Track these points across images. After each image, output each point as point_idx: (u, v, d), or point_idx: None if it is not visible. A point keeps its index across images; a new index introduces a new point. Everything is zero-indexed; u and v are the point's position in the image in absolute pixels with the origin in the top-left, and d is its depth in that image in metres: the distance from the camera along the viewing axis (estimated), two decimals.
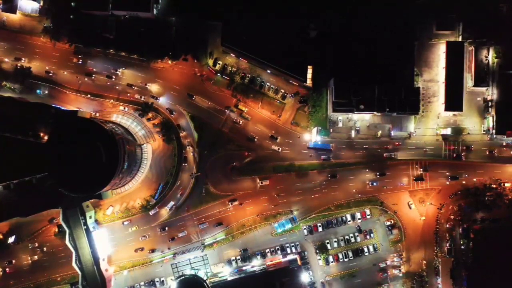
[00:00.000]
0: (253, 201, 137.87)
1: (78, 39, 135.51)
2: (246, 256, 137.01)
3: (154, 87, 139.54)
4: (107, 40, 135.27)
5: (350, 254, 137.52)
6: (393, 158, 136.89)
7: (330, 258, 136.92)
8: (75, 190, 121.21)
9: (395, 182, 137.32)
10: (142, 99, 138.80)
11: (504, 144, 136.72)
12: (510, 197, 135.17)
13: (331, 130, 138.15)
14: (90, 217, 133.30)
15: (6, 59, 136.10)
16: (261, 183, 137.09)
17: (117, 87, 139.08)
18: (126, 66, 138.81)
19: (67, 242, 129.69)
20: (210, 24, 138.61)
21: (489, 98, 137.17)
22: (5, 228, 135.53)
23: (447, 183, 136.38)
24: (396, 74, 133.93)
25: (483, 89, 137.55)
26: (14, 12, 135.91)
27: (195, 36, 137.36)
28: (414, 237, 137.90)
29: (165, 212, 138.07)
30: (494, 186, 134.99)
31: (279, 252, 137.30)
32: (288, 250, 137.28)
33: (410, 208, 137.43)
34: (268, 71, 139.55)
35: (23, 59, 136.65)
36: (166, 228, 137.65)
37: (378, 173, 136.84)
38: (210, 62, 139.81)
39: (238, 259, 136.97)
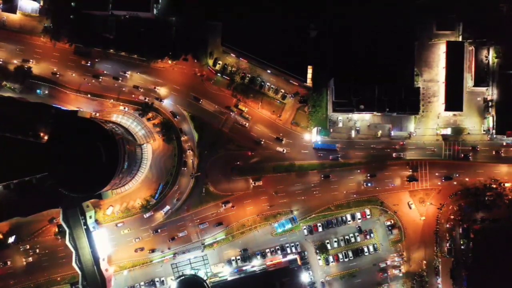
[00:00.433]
0: (253, 201, 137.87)
1: (78, 39, 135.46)
2: (246, 256, 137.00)
3: (163, 91, 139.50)
4: (107, 40, 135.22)
5: (350, 254, 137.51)
6: (402, 158, 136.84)
7: (330, 258, 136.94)
8: (75, 190, 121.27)
9: (386, 183, 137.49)
10: (146, 100, 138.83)
11: (504, 144, 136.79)
12: (510, 197, 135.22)
13: (331, 130, 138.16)
14: (90, 217, 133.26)
15: (15, 61, 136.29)
16: (254, 183, 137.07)
17: (123, 89, 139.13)
18: (135, 69, 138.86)
19: (67, 242, 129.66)
20: (210, 24, 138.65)
21: (489, 98, 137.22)
22: (5, 228, 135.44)
23: (439, 183, 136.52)
24: (396, 74, 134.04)
25: (483, 89, 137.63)
26: (14, 12, 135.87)
27: (195, 36, 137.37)
28: (414, 237, 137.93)
29: (160, 216, 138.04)
30: (494, 186, 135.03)
31: (279, 252, 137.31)
32: (288, 250, 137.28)
33: (410, 208, 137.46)
34: (268, 71, 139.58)
35: (31, 61, 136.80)
36: (159, 230, 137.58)
37: (368, 175, 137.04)
38: (210, 62, 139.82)
39: (238, 259, 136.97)
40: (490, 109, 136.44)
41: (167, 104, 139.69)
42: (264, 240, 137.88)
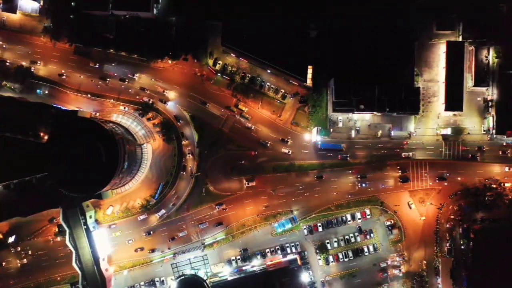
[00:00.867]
0: (252, 201, 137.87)
1: (78, 39, 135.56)
2: (246, 256, 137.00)
3: (171, 94, 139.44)
4: (107, 40, 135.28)
5: (350, 254, 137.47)
6: (411, 158, 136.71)
7: (330, 258, 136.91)
8: (75, 190, 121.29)
9: (377, 184, 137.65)
10: (150, 102, 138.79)
11: (504, 144, 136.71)
12: (510, 197, 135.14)
13: (331, 130, 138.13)
14: (90, 217, 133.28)
15: (23, 62, 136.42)
16: (247, 184, 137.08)
17: (130, 90, 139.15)
18: (143, 71, 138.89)
19: (67, 242, 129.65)
20: (210, 24, 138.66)
21: (489, 98, 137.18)
22: (5, 228, 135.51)
23: (431, 183, 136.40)
24: (396, 74, 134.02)
25: (483, 89, 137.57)
26: (14, 12, 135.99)
27: (195, 36, 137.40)
28: (414, 237, 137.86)
29: (154, 219, 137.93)
30: (494, 186, 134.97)
31: (279, 252, 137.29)
32: (288, 250, 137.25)
33: (410, 208, 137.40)
34: (268, 71, 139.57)
35: (39, 62, 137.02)
36: (151, 232, 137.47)
37: (359, 175, 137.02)
38: (210, 62, 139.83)
39: (238, 259, 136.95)
40: (490, 109, 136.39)
41: (171, 106, 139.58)
42: (264, 240, 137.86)
